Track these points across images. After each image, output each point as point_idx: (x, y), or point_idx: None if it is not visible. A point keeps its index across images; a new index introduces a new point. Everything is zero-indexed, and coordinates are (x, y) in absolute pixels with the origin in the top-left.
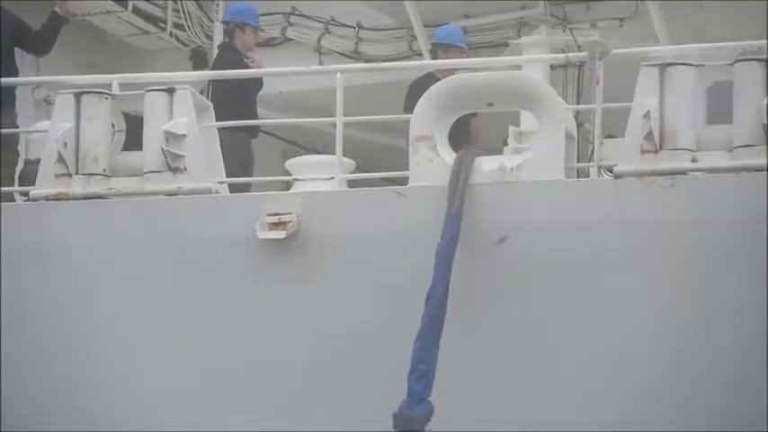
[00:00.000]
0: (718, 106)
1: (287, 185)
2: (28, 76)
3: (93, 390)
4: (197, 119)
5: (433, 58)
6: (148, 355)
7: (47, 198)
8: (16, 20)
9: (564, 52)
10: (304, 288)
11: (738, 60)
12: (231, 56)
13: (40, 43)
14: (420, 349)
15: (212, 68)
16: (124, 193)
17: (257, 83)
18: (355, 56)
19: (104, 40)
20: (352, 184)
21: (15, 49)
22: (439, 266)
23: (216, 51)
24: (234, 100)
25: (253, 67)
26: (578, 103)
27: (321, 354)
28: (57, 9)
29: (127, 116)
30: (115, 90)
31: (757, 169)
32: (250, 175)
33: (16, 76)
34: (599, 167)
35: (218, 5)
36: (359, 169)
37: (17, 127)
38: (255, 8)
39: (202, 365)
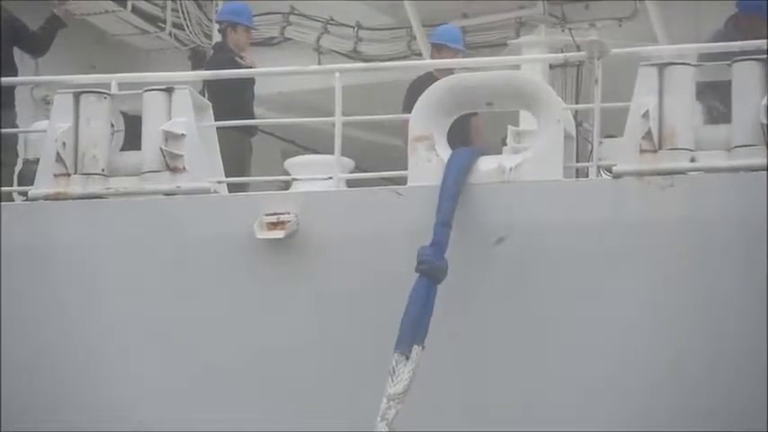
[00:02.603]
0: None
1: (286, 185)
2: (27, 76)
3: (91, 389)
4: (196, 118)
5: (431, 58)
6: (147, 355)
7: (45, 198)
8: (14, 19)
9: (563, 52)
10: (303, 288)
11: (737, 60)
12: (223, 55)
13: (36, 45)
14: (443, 219)
15: (206, 68)
16: (123, 193)
17: (251, 81)
18: (354, 55)
19: (103, 40)
20: (350, 183)
21: (14, 48)
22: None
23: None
24: (229, 99)
25: (244, 67)
26: (577, 103)
27: (320, 353)
28: (56, 11)
29: (126, 116)
30: (114, 90)
31: (756, 169)
32: (248, 175)
33: (15, 75)
34: (598, 167)
35: (217, 5)
36: (358, 169)
37: (16, 127)
38: (249, 8)
39: (201, 365)
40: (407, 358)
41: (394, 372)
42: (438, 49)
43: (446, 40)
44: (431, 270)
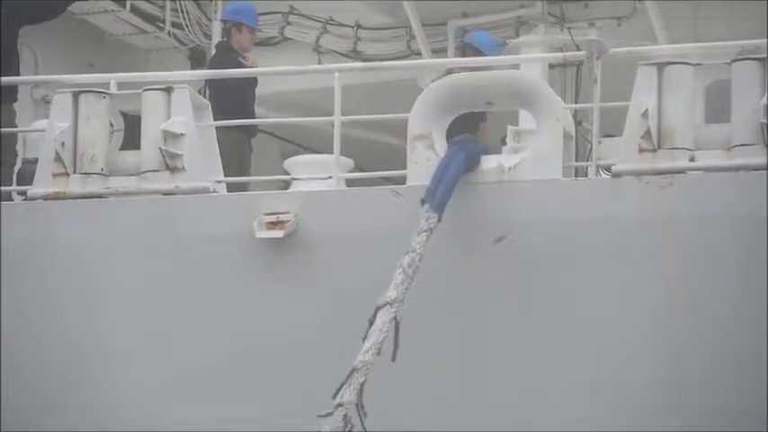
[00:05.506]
0: (717, 105)
1: (285, 185)
2: (26, 75)
3: (91, 389)
4: (195, 118)
5: (461, 56)
6: (147, 354)
7: (44, 197)
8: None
9: (562, 51)
10: (302, 287)
11: (736, 59)
12: (226, 55)
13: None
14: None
15: (208, 68)
16: (122, 193)
17: (253, 81)
18: (354, 55)
19: (102, 40)
20: (350, 183)
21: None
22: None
23: (214, 50)
24: (230, 99)
25: (248, 67)
26: (576, 102)
27: (320, 351)
28: None
29: (125, 115)
30: (113, 89)
31: (756, 168)
32: (247, 174)
33: (18, 67)
34: (597, 166)
35: (216, 5)
36: (357, 168)
37: (16, 124)
38: (254, 8)
39: (201, 364)
40: (439, 220)
41: (426, 227)
42: (474, 53)
43: (484, 48)
44: (474, 161)
